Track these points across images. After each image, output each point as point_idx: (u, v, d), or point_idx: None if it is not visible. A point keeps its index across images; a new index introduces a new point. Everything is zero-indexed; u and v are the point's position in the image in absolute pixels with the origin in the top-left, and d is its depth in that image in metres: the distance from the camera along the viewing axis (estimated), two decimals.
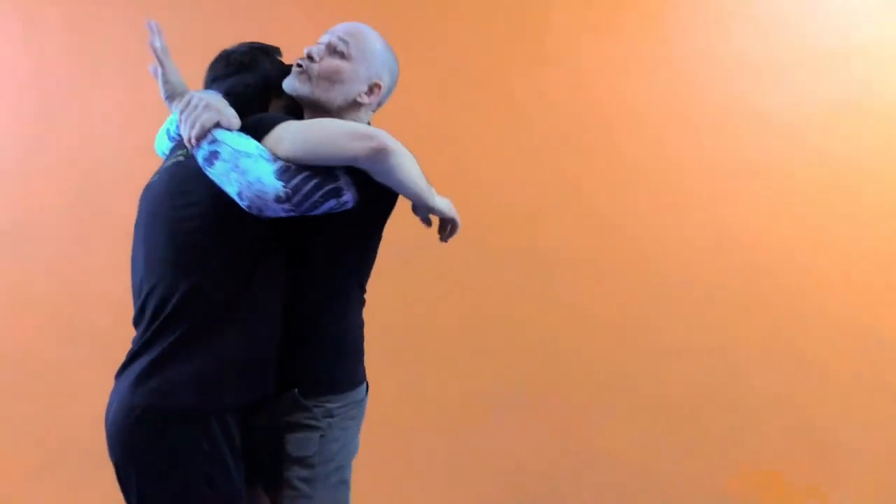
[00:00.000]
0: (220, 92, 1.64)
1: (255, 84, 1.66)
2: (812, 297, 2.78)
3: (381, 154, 1.49)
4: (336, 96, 1.67)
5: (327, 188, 1.49)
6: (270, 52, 1.72)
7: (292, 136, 1.52)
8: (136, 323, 1.59)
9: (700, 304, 2.78)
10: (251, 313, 1.55)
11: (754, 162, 2.79)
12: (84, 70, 2.96)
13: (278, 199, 1.45)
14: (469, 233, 2.48)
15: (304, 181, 1.47)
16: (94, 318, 2.77)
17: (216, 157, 1.48)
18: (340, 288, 1.69)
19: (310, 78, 1.65)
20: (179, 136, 1.63)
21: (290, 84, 1.66)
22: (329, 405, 1.66)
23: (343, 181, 1.51)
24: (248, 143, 1.50)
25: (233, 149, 1.48)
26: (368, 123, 1.72)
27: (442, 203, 1.67)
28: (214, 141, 1.50)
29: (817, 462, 2.77)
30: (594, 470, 2.73)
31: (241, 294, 1.53)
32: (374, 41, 1.73)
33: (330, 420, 1.66)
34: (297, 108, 1.70)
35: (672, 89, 2.73)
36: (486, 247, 2.71)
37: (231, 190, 1.47)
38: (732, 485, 2.73)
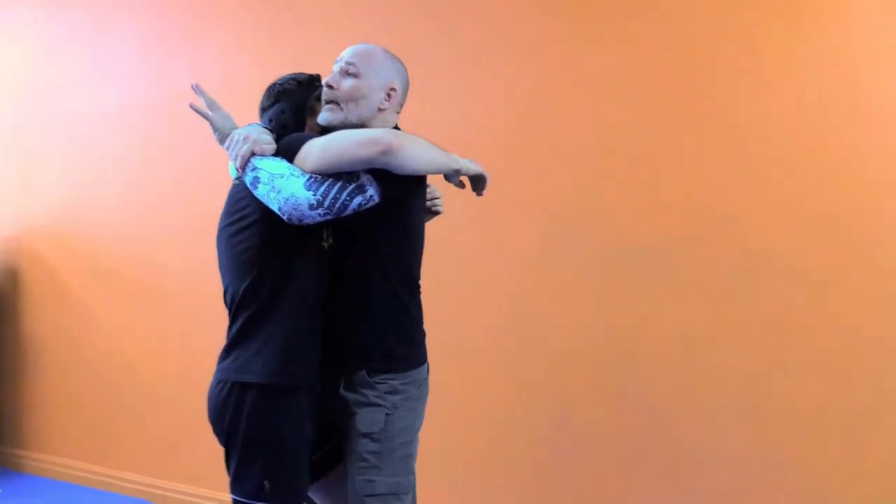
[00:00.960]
0: (264, 120, 1.96)
1: (290, 109, 1.94)
2: None
3: (389, 153, 1.73)
4: (363, 111, 1.90)
5: (351, 187, 1.75)
6: (304, 81, 1.98)
7: (315, 153, 1.78)
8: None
9: None
10: (295, 303, 1.85)
11: None
12: None
13: (311, 207, 1.73)
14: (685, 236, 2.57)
15: (330, 186, 1.74)
16: None
17: (258, 182, 1.78)
18: (392, 273, 1.90)
19: (339, 105, 1.89)
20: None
21: (324, 118, 1.90)
22: (393, 382, 1.89)
23: (364, 178, 1.76)
24: (280, 165, 1.79)
25: (269, 173, 1.77)
26: (396, 126, 1.96)
27: (465, 164, 1.90)
28: (254, 168, 1.80)
29: None
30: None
31: (285, 288, 1.84)
32: (376, 53, 1.95)
33: (394, 398, 1.88)
34: None
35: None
36: (701, 251, 2.60)
37: (273, 207, 1.76)
38: None
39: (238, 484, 1.85)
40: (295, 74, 2.01)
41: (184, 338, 3.52)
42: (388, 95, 1.93)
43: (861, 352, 2.42)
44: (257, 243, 1.86)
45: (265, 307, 1.85)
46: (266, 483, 1.81)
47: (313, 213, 1.73)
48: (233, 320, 1.90)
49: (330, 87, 1.90)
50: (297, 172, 1.77)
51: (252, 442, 1.83)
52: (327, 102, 1.90)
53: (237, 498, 1.86)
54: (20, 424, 4.01)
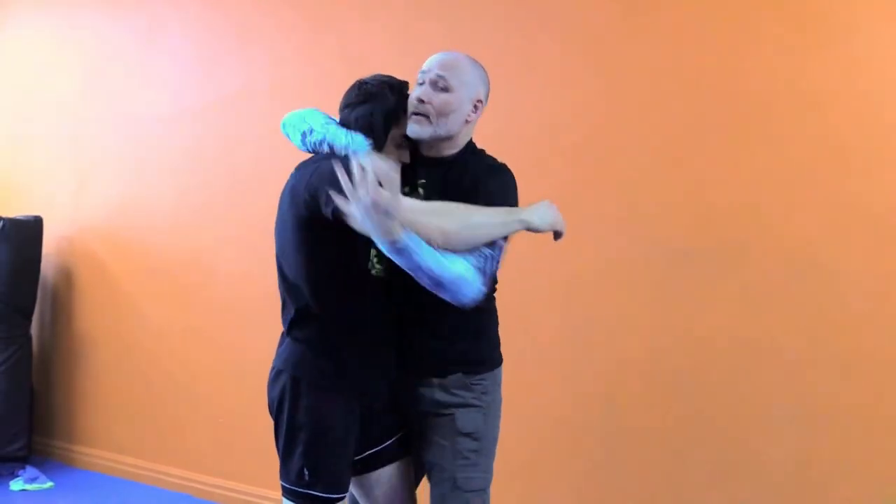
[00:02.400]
0: (349, 116, 1.92)
1: (379, 114, 1.88)
2: None
3: (446, 243, 1.71)
4: (452, 126, 1.89)
5: (498, 252, 1.79)
6: (395, 87, 1.92)
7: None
8: None
9: None
10: (329, 315, 1.89)
11: None
12: None
13: (480, 293, 1.74)
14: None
15: (488, 260, 1.77)
16: None
17: (400, 256, 1.68)
18: None
19: (429, 119, 1.86)
20: (314, 148, 1.98)
21: (413, 130, 1.88)
22: (485, 383, 1.97)
23: (498, 241, 1.80)
24: (429, 254, 1.68)
25: (418, 262, 1.68)
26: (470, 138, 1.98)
27: (537, 220, 1.85)
28: (401, 250, 1.67)
29: None
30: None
31: (320, 300, 1.88)
32: (464, 64, 1.92)
33: (487, 398, 1.97)
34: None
35: None
36: (752, 256, 2.57)
37: (418, 277, 1.71)
38: None
39: (283, 469, 1.92)
40: (386, 78, 1.96)
41: (232, 338, 3.58)
42: (475, 107, 1.93)
43: None
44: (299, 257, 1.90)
45: (305, 314, 1.91)
46: (306, 471, 1.87)
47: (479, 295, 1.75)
48: (285, 305, 1.97)
49: (421, 101, 1.87)
50: (449, 259, 1.72)
51: (295, 429, 1.89)
52: (416, 114, 1.87)
53: (283, 483, 1.93)
54: (72, 420, 4.11)
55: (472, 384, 1.95)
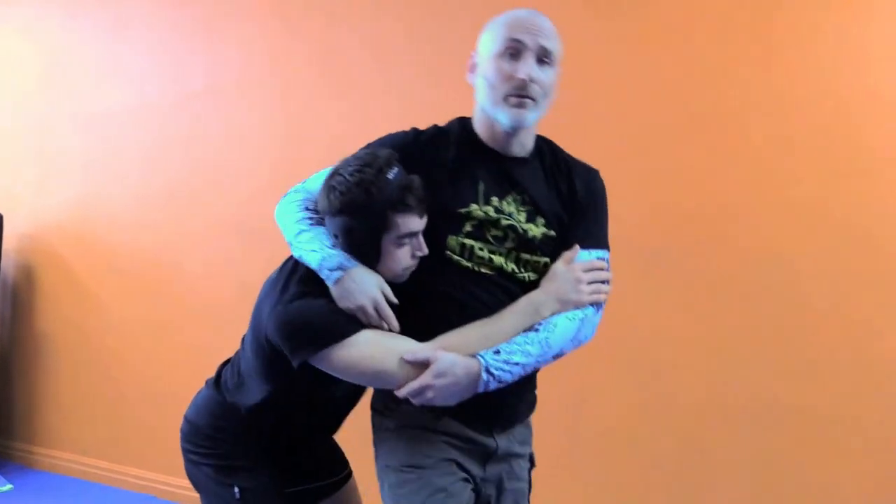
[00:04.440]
0: (330, 230, 1.57)
1: (363, 229, 1.52)
2: None
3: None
4: (549, 105, 1.60)
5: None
6: (376, 186, 1.50)
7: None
8: None
9: None
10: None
11: None
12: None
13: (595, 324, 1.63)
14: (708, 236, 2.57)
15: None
16: None
17: (506, 378, 1.52)
18: None
19: (535, 102, 1.55)
20: (310, 216, 1.63)
21: (516, 118, 1.55)
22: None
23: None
24: (527, 348, 1.52)
25: (527, 366, 1.53)
26: None
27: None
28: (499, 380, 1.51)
29: None
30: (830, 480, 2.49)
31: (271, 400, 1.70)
32: (558, 34, 1.59)
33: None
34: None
35: None
36: (724, 252, 2.59)
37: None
38: None
39: None
40: (361, 168, 1.52)
41: (197, 337, 3.54)
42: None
43: (879, 355, 2.41)
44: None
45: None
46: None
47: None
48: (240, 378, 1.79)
49: (531, 80, 1.52)
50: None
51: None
52: (520, 97, 1.53)
53: None
54: (33, 421, 4.03)
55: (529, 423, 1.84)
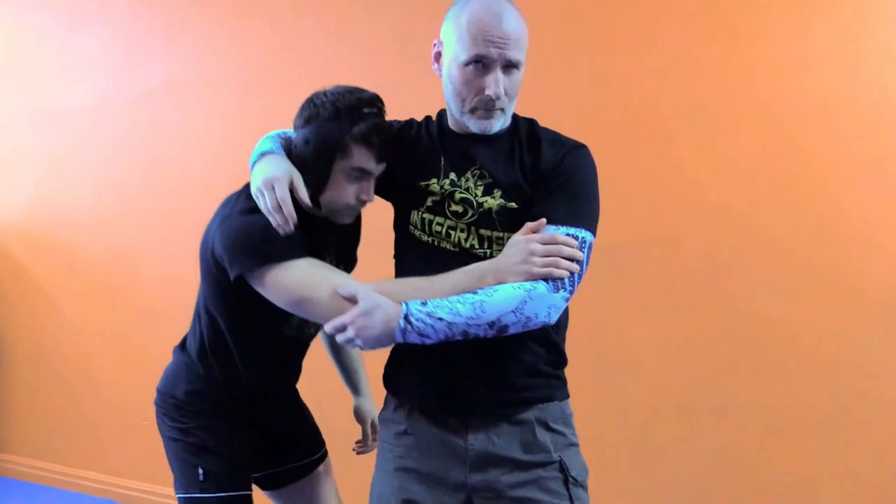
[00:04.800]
0: (292, 143, 1.63)
1: (315, 145, 1.58)
2: None
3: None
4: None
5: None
6: (345, 109, 1.57)
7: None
8: None
9: None
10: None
11: None
12: None
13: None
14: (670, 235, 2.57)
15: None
16: None
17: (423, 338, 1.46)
18: None
19: (503, 111, 1.55)
20: (280, 142, 1.70)
21: (484, 126, 1.55)
22: (567, 411, 1.65)
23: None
24: (455, 307, 1.44)
25: (452, 328, 1.44)
26: None
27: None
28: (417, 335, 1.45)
29: None
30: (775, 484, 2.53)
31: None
32: (522, 21, 1.54)
33: (573, 430, 1.64)
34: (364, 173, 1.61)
35: (861, 86, 2.39)
36: (682, 251, 2.60)
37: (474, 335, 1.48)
38: None
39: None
40: (342, 93, 1.60)
41: (155, 340, 3.47)
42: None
43: (836, 351, 2.45)
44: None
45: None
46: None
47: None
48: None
49: (496, 96, 1.51)
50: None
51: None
52: (487, 111, 1.54)
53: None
54: None
55: (569, 414, 1.68)
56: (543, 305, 1.44)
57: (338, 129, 1.55)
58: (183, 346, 1.93)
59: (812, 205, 2.44)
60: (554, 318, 1.47)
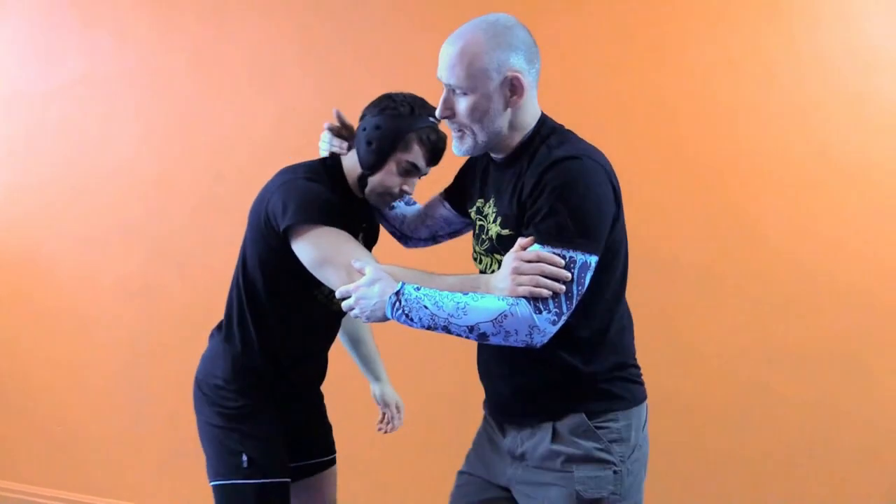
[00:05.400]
0: (359, 127, 1.82)
1: (385, 130, 1.77)
2: None
3: None
4: (498, 123, 1.55)
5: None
6: (421, 107, 1.79)
7: None
8: None
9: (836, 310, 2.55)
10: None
11: (888, 162, 2.50)
12: None
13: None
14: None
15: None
16: None
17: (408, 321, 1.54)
18: (620, 275, 1.64)
19: (463, 132, 1.57)
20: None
21: (456, 149, 1.62)
22: (617, 425, 1.57)
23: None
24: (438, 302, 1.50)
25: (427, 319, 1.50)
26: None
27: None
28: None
29: None
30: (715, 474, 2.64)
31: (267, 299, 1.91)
32: (469, 48, 1.51)
33: (622, 449, 1.56)
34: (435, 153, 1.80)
35: (799, 87, 2.52)
36: None
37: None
38: None
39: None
40: (418, 98, 1.81)
41: (72, 345, 3.39)
42: (513, 87, 1.52)
43: (737, 347, 2.59)
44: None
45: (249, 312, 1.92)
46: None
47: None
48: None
49: (446, 117, 1.57)
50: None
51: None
52: (457, 134, 1.59)
53: None
54: None
55: (597, 428, 1.58)
56: (524, 325, 1.43)
57: (407, 124, 1.76)
58: (218, 329, 2.02)
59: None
60: (537, 341, 1.45)
